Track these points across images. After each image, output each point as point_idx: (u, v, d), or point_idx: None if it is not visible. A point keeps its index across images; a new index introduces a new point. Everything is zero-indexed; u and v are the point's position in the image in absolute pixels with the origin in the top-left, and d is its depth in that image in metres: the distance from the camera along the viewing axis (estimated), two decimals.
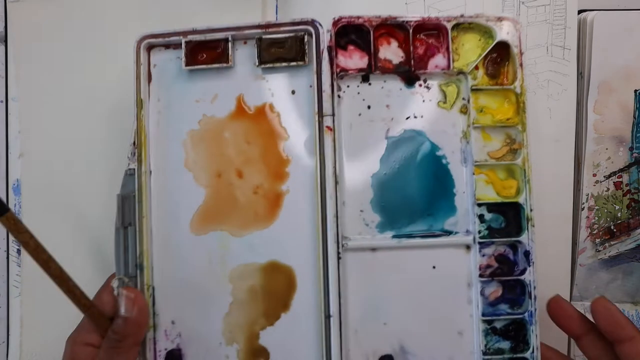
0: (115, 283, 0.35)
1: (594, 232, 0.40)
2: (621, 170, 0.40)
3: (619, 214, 0.40)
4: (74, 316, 0.41)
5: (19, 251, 0.44)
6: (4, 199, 0.43)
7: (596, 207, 0.40)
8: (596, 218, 0.40)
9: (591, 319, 0.34)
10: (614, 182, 0.40)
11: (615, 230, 0.40)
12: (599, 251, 0.40)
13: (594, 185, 0.40)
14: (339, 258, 0.34)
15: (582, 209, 0.40)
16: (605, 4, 0.41)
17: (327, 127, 0.34)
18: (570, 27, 0.39)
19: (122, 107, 0.42)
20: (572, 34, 0.40)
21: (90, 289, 0.41)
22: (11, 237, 0.44)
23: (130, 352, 0.33)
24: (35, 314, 0.43)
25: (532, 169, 0.34)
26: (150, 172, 0.36)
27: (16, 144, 0.43)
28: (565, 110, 0.40)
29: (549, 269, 0.39)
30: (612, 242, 0.40)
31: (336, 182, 0.34)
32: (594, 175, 0.40)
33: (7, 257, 0.44)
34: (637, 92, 0.39)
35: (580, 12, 0.40)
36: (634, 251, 0.40)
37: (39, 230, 0.41)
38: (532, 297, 0.34)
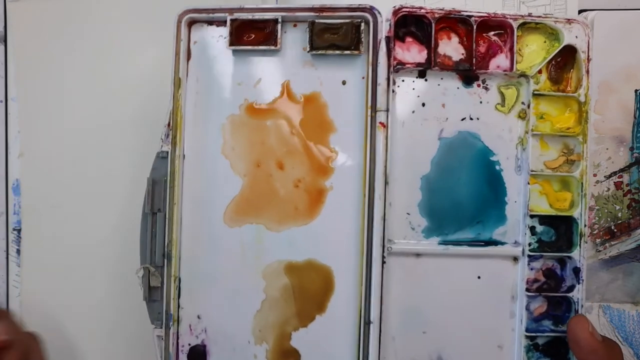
0: (140, 272, 0.33)
1: (595, 232, 0.40)
2: (621, 170, 0.40)
3: (619, 214, 0.40)
4: (73, 316, 0.42)
5: (18, 251, 0.43)
6: (4, 199, 0.43)
7: (596, 207, 0.40)
8: (596, 218, 0.40)
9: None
10: (614, 182, 0.40)
11: (615, 230, 0.40)
12: (600, 251, 0.40)
13: (595, 185, 0.40)
14: (383, 262, 0.32)
15: None
16: (605, 4, 0.40)
17: (381, 123, 0.32)
18: None
19: (122, 106, 0.42)
20: None
21: (91, 286, 0.42)
22: (11, 238, 0.43)
23: None
24: (34, 313, 0.42)
25: None
26: (184, 156, 0.34)
27: (16, 143, 0.43)
28: None
29: None
30: (612, 242, 0.40)
31: (386, 183, 0.32)
32: (595, 175, 0.40)
33: (7, 257, 0.43)
34: (638, 92, 0.40)
35: (580, 12, 0.40)
36: (635, 251, 0.40)
37: (38, 230, 0.42)
38: (583, 314, 0.32)
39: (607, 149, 0.40)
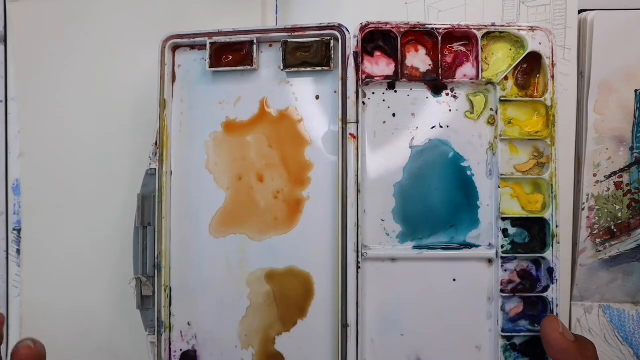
0: (133, 282, 0.35)
1: (595, 232, 0.40)
2: (621, 170, 0.40)
3: (619, 214, 0.40)
4: (73, 316, 0.43)
5: (18, 251, 0.44)
6: (4, 199, 0.44)
7: (596, 207, 0.40)
8: (596, 218, 0.40)
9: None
10: (614, 182, 0.40)
11: (615, 230, 0.40)
12: (600, 251, 0.40)
13: (595, 185, 0.40)
14: (358, 267, 0.33)
15: (583, 209, 0.40)
16: (605, 4, 0.41)
17: (351, 134, 0.34)
18: (570, 27, 0.40)
19: (122, 106, 0.42)
20: (572, 34, 0.40)
21: (89, 285, 0.42)
22: (11, 238, 0.44)
23: None
24: (34, 314, 0.43)
25: None
26: (171, 172, 0.36)
27: (16, 143, 0.44)
28: (565, 110, 0.40)
29: None
30: (612, 242, 0.40)
31: (358, 191, 0.34)
32: (595, 175, 0.40)
33: (7, 257, 0.44)
34: (638, 92, 0.39)
35: (580, 12, 0.40)
36: (635, 251, 0.40)
37: (38, 230, 0.43)
38: (555, 314, 0.33)
39: (607, 149, 0.40)
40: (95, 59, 0.43)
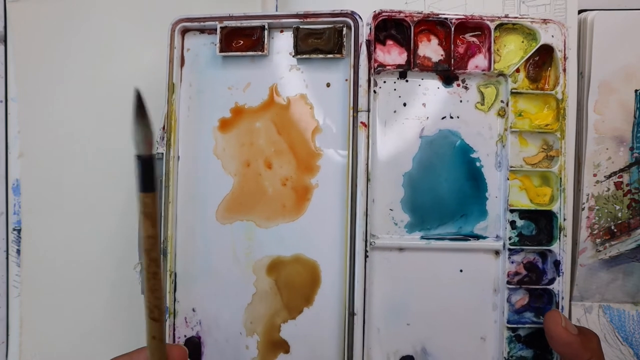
0: (138, 267, 0.35)
1: (595, 232, 0.40)
2: (621, 170, 0.40)
3: (619, 214, 0.40)
4: (73, 316, 0.42)
5: (18, 251, 0.43)
6: (4, 199, 0.43)
7: (596, 207, 0.40)
8: (596, 218, 0.40)
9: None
10: (614, 182, 0.40)
11: (615, 230, 0.40)
12: (600, 251, 0.40)
13: (595, 185, 0.40)
14: (366, 256, 0.33)
15: (583, 209, 0.40)
16: (605, 4, 0.41)
17: (362, 122, 0.33)
18: (570, 27, 0.39)
19: (122, 106, 0.41)
20: (572, 34, 0.40)
21: (92, 285, 0.42)
22: (11, 238, 0.43)
23: None
24: (34, 314, 0.43)
25: None
26: (179, 157, 0.35)
27: (16, 143, 0.43)
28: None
29: None
30: (612, 242, 0.40)
31: (368, 179, 0.33)
32: (595, 175, 0.40)
33: (7, 258, 0.43)
34: (638, 92, 0.39)
35: (580, 12, 0.40)
36: (635, 251, 0.40)
37: (39, 230, 0.42)
38: (560, 307, 0.33)
39: (607, 149, 0.40)
40: (96, 58, 0.43)
